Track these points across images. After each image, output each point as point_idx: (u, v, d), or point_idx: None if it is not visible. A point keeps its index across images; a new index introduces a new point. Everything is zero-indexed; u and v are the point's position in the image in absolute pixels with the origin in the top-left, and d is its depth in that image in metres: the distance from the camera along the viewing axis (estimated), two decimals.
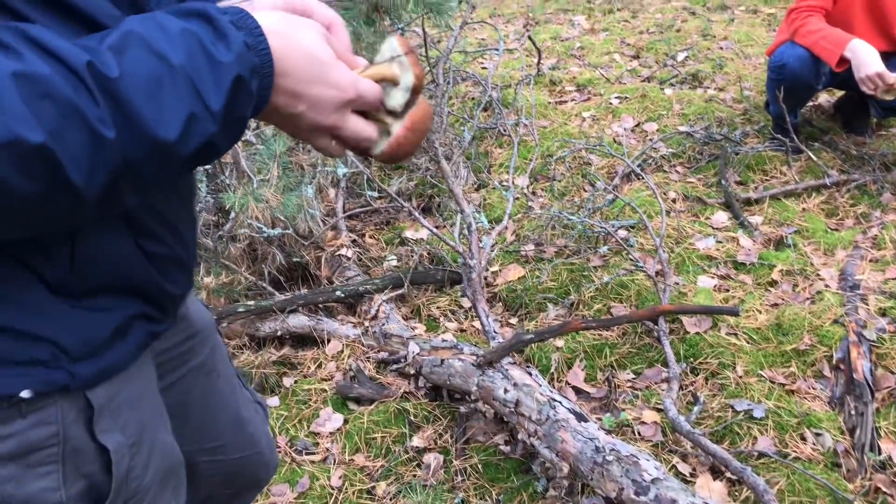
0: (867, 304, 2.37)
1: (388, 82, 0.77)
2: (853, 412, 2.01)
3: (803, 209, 2.96)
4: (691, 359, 2.25)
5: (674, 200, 3.08)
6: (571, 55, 4.58)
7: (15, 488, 0.74)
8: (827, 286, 2.50)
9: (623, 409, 2.12)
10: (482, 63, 4.46)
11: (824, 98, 3.67)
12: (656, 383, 2.21)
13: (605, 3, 5.32)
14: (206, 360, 1.09)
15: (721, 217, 2.93)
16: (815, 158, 3.16)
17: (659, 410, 2.09)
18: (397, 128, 0.78)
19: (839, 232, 2.81)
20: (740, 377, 2.17)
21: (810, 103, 3.54)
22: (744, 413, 2.04)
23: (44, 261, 0.69)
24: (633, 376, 2.25)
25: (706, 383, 2.19)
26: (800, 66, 2.99)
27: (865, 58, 2.75)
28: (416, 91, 0.78)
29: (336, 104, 0.73)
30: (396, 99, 0.77)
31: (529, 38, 4.33)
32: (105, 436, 0.78)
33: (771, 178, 3.19)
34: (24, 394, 0.71)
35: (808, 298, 2.47)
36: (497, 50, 3.90)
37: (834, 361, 2.17)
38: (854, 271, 2.53)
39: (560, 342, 2.35)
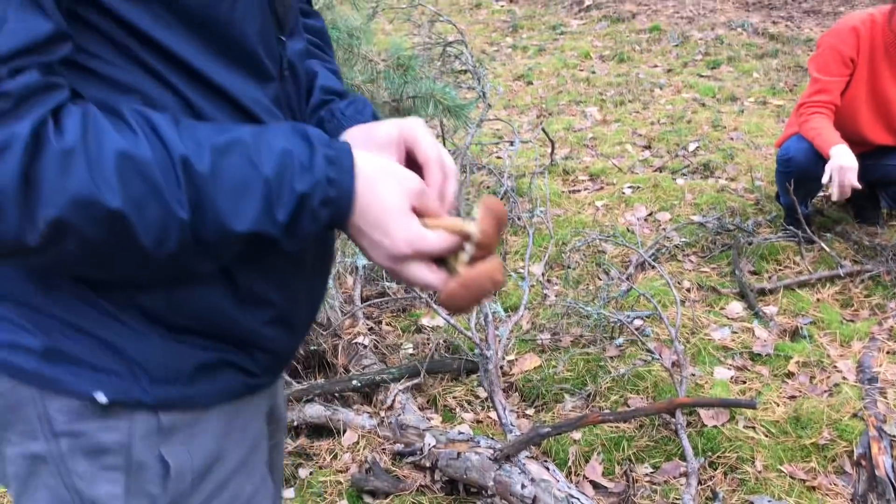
0: (886, 398, 2.35)
1: (462, 234, 0.80)
2: None
3: (818, 299, 2.97)
4: (709, 452, 2.23)
5: (688, 290, 3.10)
6: (584, 145, 4.69)
7: (85, 486, 0.80)
8: (844, 378, 2.49)
9: None
10: (496, 153, 4.58)
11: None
12: (675, 477, 2.19)
13: (617, 94, 5.48)
14: (277, 447, 1.11)
15: (736, 307, 2.95)
16: (827, 249, 3.19)
17: None
18: (454, 281, 0.80)
19: (855, 323, 2.82)
20: (760, 472, 2.14)
21: (821, 193, 3.60)
22: None
23: (143, 295, 0.77)
24: (652, 470, 2.22)
25: (725, 478, 2.17)
26: (805, 159, 3.06)
27: (837, 161, 2.85)
28: (481, 247, 0.80)
29: (390, 254, 0.78)
30: (468, 252, 0.80)
31: (543, 129, 4.45)
32: (171, 455, 0.82)
33: (784, 269, 3.21)
34: (99, 397, 0.77)
35: (825, 391, 2.46)
36: (512, 143, 4.01)
37: (855, 457, 2.15)
38: (871, 363, 2.53)
39: (577, 434, 2.34)
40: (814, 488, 2.09)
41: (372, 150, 0.86)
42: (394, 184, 0.78)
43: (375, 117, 0.98)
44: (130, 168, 0.65)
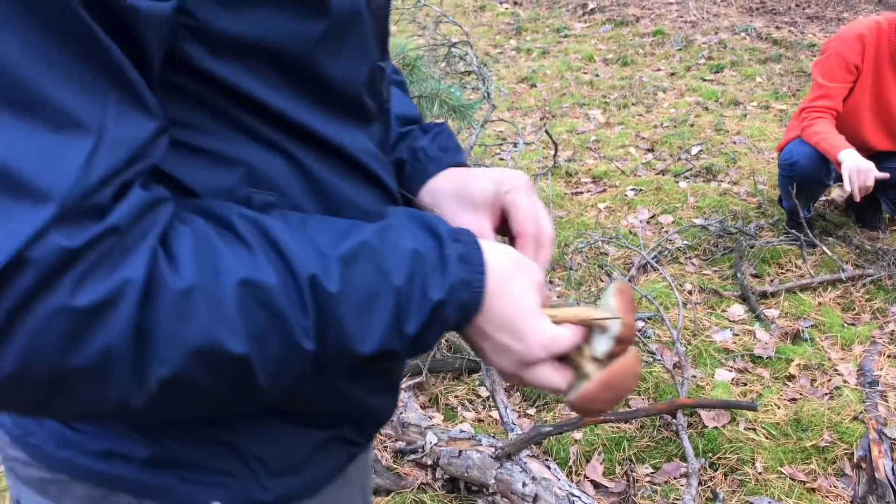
0: (887, 401, 2.36)
1: (596, 326, 0.70)
2: None
3: (819, 303, 2.98)
4: (710, 454, 2.24)
5: (690, 292, 3.11)
6: (587, 148, 4.71)
7: None
8: (845, 382, 2.50)
9: None
10: (499, 154, 4.59)
11: (837, 193, 3.74)
12: (675, 478, 2.19)
13: (620, 97, 5.49)
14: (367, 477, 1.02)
15: (737, 310, 2.96)
16: (829, 253, 3.20)
17: None
18: (592, 380, 0.69)
19: (856, 327, 2.82)
20: (760, 473, 2.15)
21: (823, 198, 3.61)
22: None
23: None
24: (652, 471, 2.23)
25: (725, 479, 2.17)
26: (809, 162, 3.07)
27: (854, 163, 2.86)
28: (622, 342, 0.69)
29: (521, 360, 0.67)
30: (600, 346, 0.70)
31: (546, 131, 4.47)
32: None
33: (786, 272, 3.22)
34: None
35: (826, 394, 2.46)
36: (515, 145, 4.01)
37: (855, 459, 2.16)
38: (872, 367, 2.54)
39: (578, 434, 2.35)
40: (814, 490, 2.10)
41: (465, 209, 0.76)
42: (525, 280, 0.67)
43: (459, 148, 0.87)
44: (253, 299, 0.53)
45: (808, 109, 3.10)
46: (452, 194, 0.78)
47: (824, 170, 3.08)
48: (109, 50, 0.49)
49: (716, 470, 2.20)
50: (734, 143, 4.55)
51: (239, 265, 0.53)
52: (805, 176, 3.12)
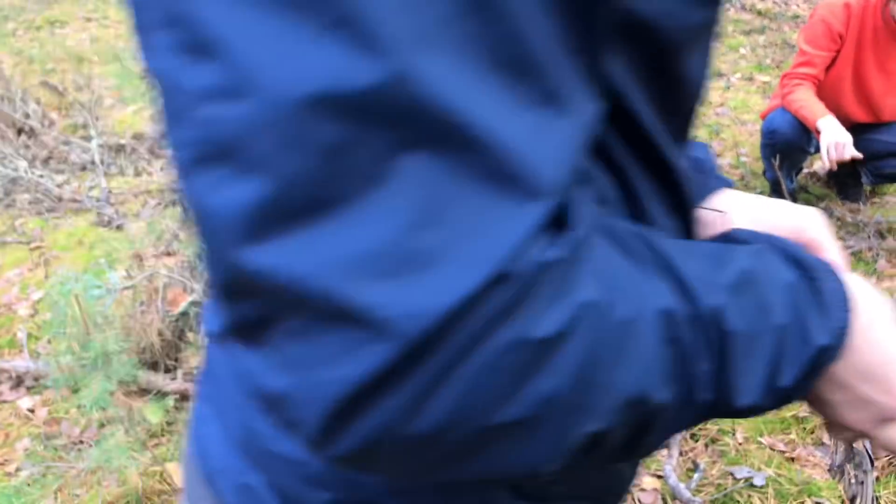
0: None
1: None
2: (853, 481, 2.00)
3: None
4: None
5: None
6: None
7: None
8: None
9: None
10: None
11: (819, 165, 3.74)
12: None
13: None
14: None
15: None
16: None
17: (659, 477, 2.09)
18: None
19: None
20: (740, 444, 2.17)
21: (805, 170, 3.62)
22: (744, 481, 2.04)
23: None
24: None
25: (706, 449, 2.19)
26: (790, 130, 3.08)
27: (833, 137, 2.88)
28: None
29: (880, 415, 0.55)
30: None
31: None
32: None
33: None
34: None
35: None
36: None
37: None
38: None
39: None
40: (793, 459, 2.12)
41: None
42: (886, 318, 0.55)
43: None
44: (667, 335, 0.42)
45: (790, 76, 3.10)
46: (748, 221, 0.65)
47: (805, 137, 3.09)
48: None
49: (696, 441, 2.22)
50: (717, 114, 4.54)
51: (654, 290, 0.41)
52: (786, 143, 3.12)
